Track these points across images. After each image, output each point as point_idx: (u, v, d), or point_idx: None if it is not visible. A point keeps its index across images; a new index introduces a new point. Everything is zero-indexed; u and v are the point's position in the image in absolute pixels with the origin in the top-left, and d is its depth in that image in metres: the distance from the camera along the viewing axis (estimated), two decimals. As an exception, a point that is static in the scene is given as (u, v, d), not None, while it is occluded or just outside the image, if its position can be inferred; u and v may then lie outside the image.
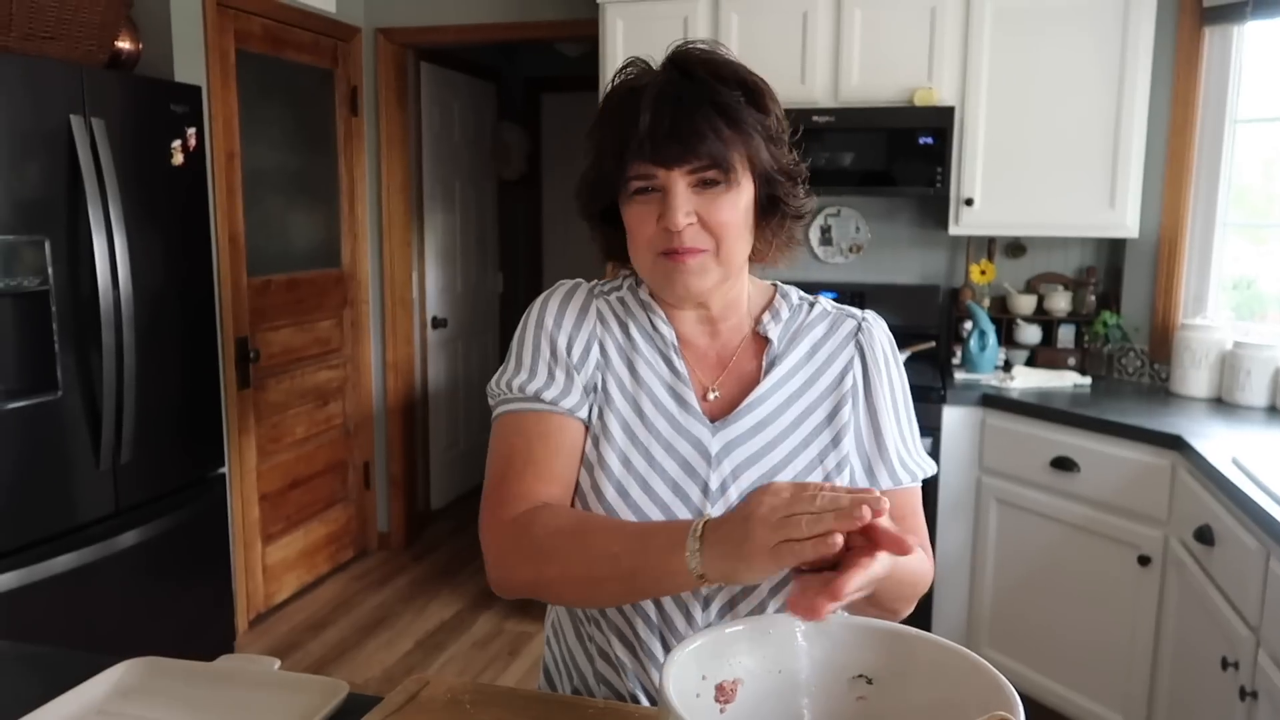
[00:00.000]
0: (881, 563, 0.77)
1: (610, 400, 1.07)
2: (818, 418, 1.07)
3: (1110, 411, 2.64)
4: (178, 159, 2.73)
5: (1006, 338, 3.26)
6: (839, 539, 0.75)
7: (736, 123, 0.98)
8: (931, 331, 3.30)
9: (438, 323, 4.52)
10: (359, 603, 3.70)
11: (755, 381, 1.08)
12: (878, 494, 0.77)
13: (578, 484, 1.06)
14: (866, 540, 0.78)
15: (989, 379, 3.01)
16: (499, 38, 3.86)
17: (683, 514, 1.03)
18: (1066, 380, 2.99)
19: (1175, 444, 2.37)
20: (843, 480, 1.06)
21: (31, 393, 2.32)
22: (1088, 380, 3.01)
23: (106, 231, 2.44)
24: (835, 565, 0.79)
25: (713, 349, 1.11)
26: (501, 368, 1.10)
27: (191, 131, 2.77)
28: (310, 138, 3.72)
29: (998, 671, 0.77)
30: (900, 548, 0.78)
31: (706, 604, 1.02)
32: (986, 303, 3.26)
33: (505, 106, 5.18)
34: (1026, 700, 0.87)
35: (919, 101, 2.97)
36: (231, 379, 3.26)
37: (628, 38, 3.20)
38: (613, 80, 1.05)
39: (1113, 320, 3.07)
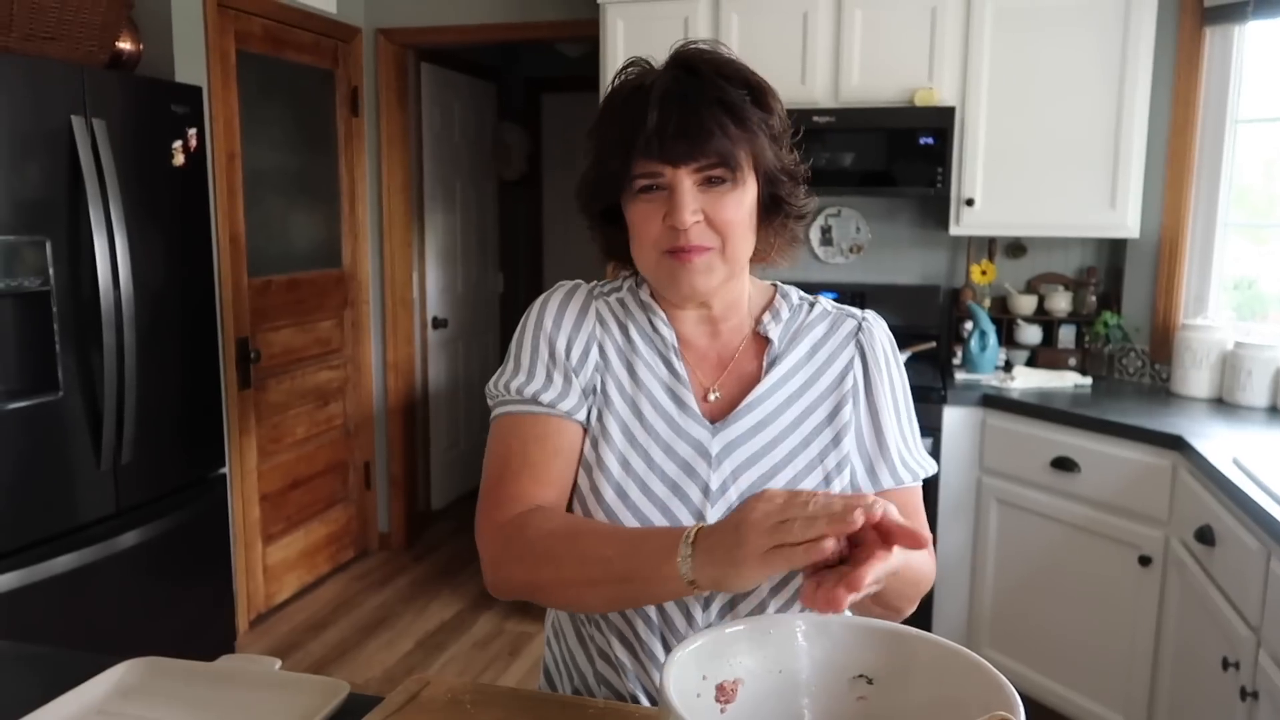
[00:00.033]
0: (897, 556, 0.78)
1: (609, 402, 1.06)
2: (818, 417, 1.07)
3: (1111, 412, 2.64)
4: (178, 159, 2.74)
5: (1007, 338, 3.26)
6: (831, 543, 0.76)
7: (743, 121, 0.98)
8: (932, 332, 3.30)
9: (438, 323, 4.52)
10: (359, 603, 3.70)
11: (756, 382, 1.08)
12: (872, 499, 0.77)
13: (577, 486, 1.06)
14: (880, 536, 0.79)
15: (989, 379, 3.00)
16: (499, 38, 3.86)
17: (682, 515, 1.02)
18: (1067, 380, 2.98)
19: (1176, 444, 2.37)
20: (844, 480, 1.06)
21: (32, 393, 2.32)
22: (1088, 380, 3.01)
23: (107, 232, 2.44)
24: (840, 565, 0.79)
25: (713, 349, 1.11)
26: (500, 369, 1.10)
27: (192, 132, 2.77)
28: (311, 138, 3.72)
29: (998, 671, 0.77)
30: (915, 541, 0.78)
31: (707, 604, 1.02)
32: (987, 303, 3.26)
33: (506, 107, 5.18)
34: (1027, 700, 0.87)
35: (919, 102, 2.97)
36: (232, 379, 3.27)
37: (628, 38, 3.20)
38: (614, 80, 1.05)
39: (1113, 320, 3.07)
